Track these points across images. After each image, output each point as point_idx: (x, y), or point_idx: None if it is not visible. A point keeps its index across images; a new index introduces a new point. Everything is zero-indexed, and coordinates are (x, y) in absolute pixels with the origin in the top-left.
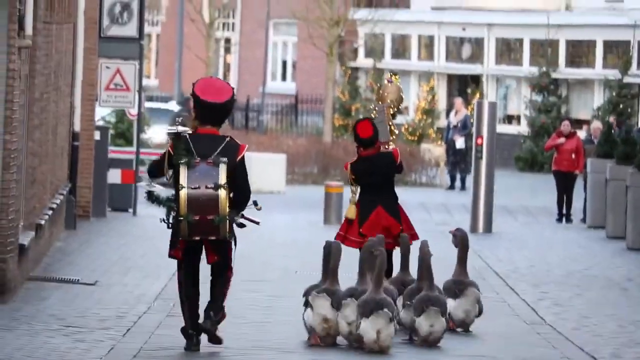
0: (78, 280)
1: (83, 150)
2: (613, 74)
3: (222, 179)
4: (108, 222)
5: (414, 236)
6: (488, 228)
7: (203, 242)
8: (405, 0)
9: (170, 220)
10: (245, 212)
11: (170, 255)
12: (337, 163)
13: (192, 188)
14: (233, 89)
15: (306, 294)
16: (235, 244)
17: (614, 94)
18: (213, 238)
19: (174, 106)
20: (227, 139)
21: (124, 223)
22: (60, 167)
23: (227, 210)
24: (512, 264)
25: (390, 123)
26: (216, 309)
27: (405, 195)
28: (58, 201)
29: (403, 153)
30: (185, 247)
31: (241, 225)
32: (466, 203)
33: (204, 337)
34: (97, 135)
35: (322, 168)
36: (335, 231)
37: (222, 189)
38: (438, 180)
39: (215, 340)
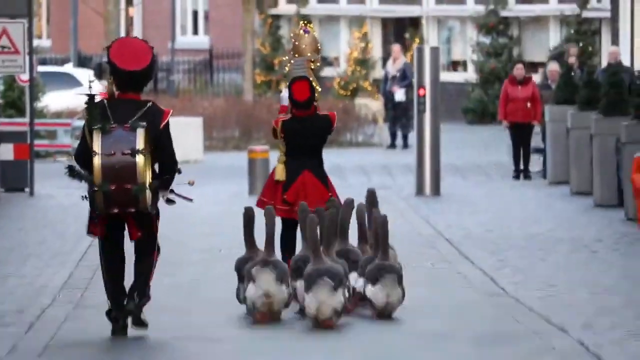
0: None
1: None
2: (570, 8)
3: (140, 143)
4: (1, 205)
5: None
6: (436, 190)
7: (125, 216)
8: None
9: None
10: (175, 188)
11: (89, 232)
12: (260, 125)
13: (106, 155)
14: (152, 49)
15: (239, 268)
16: (157, 218)
17: (572, 31)
18: (133, 210)
19: (70, 69)
20: (149, 104)
21: (20, 205)
22: None
23: (148, 179)
24: (465, 229)
25: (312, 78)
26: (140, 291)
27: (341, 158)
28: None
29: (336, 109)
30: (107, 224)
31: (170, 202)
32: (410, 163)
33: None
34: None
35: (243, 131)
36: None
37: (139, 154)
38: (377, 138)
39: (139, 323)
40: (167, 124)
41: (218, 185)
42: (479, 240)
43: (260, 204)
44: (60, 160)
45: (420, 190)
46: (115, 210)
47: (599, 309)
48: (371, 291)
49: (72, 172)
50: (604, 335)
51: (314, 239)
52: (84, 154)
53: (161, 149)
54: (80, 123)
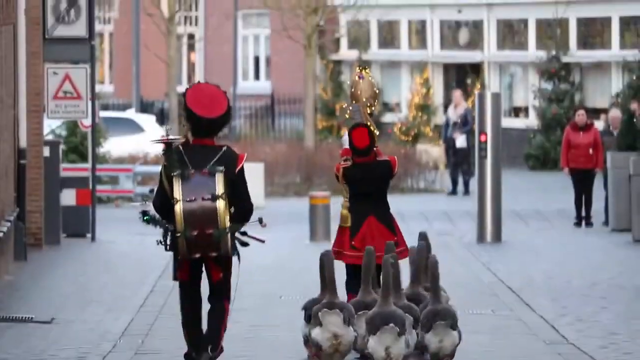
0: (32, 318)
1: (31, 169)
2: (632, 54)
3: (220, 188)
4: (63, 250)
5: (405, 253)
6: (497, 237)
7: (204, 260)
8: None
9: (168, 241)
10: (248, 230)
11: (176, 278)
12: (321, 171)
13: (187, 201)
14: (228, 98)
15: (307, 308)
16: (239, 261)
17: (634, 77)
18: (214, 254)
19: (132, 114)
20: (224, 148)
21: (81, 250)
22: (6, 190)
23: (227, 223)
24: (527, 276)
25: (370, 123)
26: (214, 343)
27: (401, 204)
28: (5, 229)
29: (397, 154)
30: (189, 268)
31: (244, 244)
32: (471, 209)
33: None
34: (46, 151)
35: (305, 177)
36: (323, 248)
37: (220, 199)
38: (438, 184)
39: None
40: (242, 168)
41: (279, 231)
42: (541, 288)
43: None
44: (134, 205)
45: (481, 237)
46: (198, 255)
47: None
48: (426, 338)
49: (145, 217)
50: None
51: (386, 280)
52: (161, 200)
53: (237, 192)
54: (142, 169)
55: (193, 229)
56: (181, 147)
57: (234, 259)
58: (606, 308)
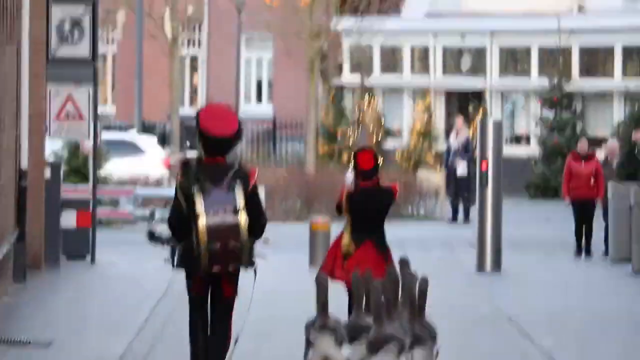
0: (29, 341)
1: (32, 191)
2: (635, 84)
3: (240, 202)
4: (62, 272)
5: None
6: (497, 266)
7: (218, 277)
8: (395, 7)
9: (176, 260)
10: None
11: (191, 292)
12: (322, 196)
13: (211, 214)
14: (239, 118)
15: (306, 330)
16: (255, 275)
17: (636, 107)
18: (232, 269)
19: (134, 136)
20: (237, 165)
21: (81, 272)
22: (6, 211)
23: (247, 236)
24: (527, 307)
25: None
26: None
27: (401, 230)
28: (4, 250)
29: (397, 181)
30: (202, 283)
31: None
32: (471, 237)
33: None
34: (47, 173)
35: (305, 202)
36: None
37: (241, 212)
38: (438, 212)
39: None
40: (256, 184)
41: (279, 257)
42: (541, 319)
43: (322, 270)
44: (122, 228)
45: (481, 266)
46: (218, 269)
47: None
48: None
49: (152, 237)
50: None
51: (377, 304)
52: (177, 217)
53: (252, 207)
54: (143, 191)
55: (216, 242)
56: (195, 165)
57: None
58: (605, 340)
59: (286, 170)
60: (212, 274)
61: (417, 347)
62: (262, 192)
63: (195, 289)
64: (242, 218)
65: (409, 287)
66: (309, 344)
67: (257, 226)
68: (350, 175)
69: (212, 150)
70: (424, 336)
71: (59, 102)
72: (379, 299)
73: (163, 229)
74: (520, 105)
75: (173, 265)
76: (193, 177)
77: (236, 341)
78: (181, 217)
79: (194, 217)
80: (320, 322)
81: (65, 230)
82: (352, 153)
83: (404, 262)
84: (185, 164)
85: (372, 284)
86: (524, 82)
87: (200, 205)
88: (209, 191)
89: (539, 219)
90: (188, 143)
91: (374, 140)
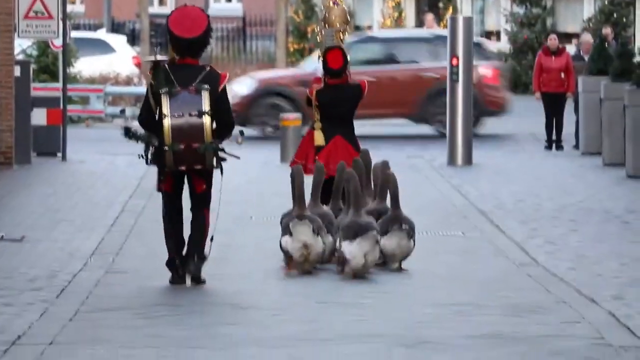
0: (2, 236)
1: (2, 89)
2: None
3: (206, 105)
4: (33, 169)
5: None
6: (468, 159)
7: (187, 173)
8: None
9: (149, 156)
10: (225, 146)
11: (159, 189)
12: None
13: (175, 116)
14: (208, 17)
15: (282, 220)
16: (221, 174)
17: (606, 2)
18: (199, 167)
19: (103, 35)
20: (208, 68)
21: (52, 170)
22: None
23: (212, 138)
24: (497, 199)
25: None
26: (199, 251)
27: (372, 127)
28: None
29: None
30: (172, 179)
31: (222, 160)
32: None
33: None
34: (17, 71)
35: None
36: None
37: (206, 115)
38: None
39: (199, 281)
40: (225, 87)
41: (249, 153)
42: (511, 210)
43: (293, 164)
44: (117, 123)
45: (452, 160)
46: (183, 168)
47: (630, 280)
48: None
49: (128, 133)
50: (634, 306)
51: (356, 192)
52: (147, 116)
53: (220, 110)
54: (113, 89)
55: (180, 143)
56: (167, 66)
57: (217, 171)
58: (576, 230)
59: (256, 68)
60: (180, 171)
61: (390, 232)
62: (232, 90)
63: (165, 185)
64: (207, 120)
65: (374, 174)
66: (285, 231)
67: (224, 128)
68: (319, 66)
69: (182, 52)
70: (404, 219)
71: (27, 1)
72: (357, 188)
73: (138, 126)
74: (490, 1)
75: (146, 162)
76: (162, 79)
77: (212, 239)
78: (151, 117)
79: (160, 117)
80: (298, 211)
81: (36, 127)
82: (320, 53)
83: (365, 153)
84: (156, 65)
85: (350, 172)
86: None
87: (166, 106)
88: (176, 93)
89: (510, 114)
90: (158, 48)
91: (341, 39)
